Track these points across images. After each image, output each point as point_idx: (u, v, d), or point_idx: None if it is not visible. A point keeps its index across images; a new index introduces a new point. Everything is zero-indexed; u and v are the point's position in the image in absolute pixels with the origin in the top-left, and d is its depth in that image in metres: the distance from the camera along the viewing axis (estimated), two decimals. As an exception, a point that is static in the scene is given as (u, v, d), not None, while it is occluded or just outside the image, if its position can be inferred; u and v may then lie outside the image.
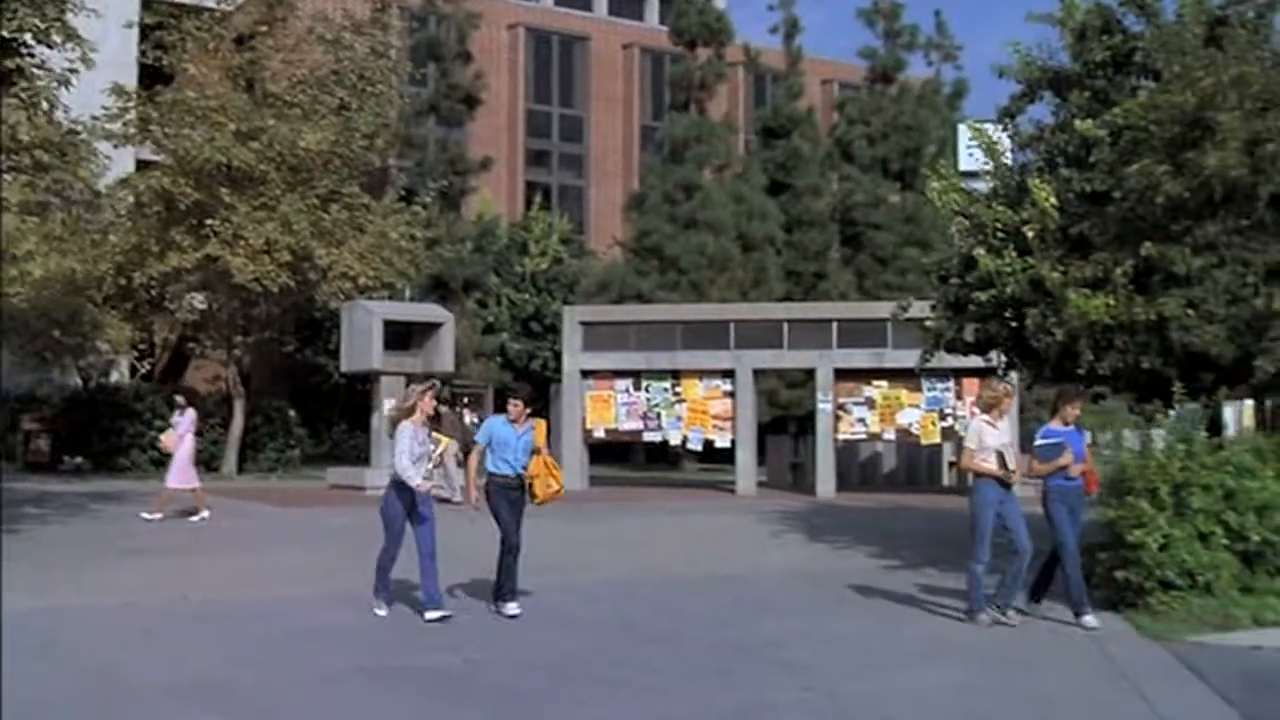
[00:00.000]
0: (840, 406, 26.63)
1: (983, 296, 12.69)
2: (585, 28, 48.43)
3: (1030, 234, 12.00)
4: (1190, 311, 10.69)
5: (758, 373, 27.17)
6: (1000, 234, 12.86)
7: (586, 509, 20.86)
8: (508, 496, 10.39)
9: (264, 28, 28.60)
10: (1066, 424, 10.58)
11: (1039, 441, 10.63)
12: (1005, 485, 10.19)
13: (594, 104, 47.84)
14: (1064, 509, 10.46)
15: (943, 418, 26.37)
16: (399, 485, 10.12)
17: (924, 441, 27.15)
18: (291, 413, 31.34)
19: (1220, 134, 10.41)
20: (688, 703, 7.86)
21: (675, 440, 27.99)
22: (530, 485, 10.42)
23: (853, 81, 45.02)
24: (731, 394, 26.62)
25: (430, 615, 10.02)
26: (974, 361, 16.17)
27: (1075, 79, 13.40)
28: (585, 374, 26.97)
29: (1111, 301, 11.01)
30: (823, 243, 38.98)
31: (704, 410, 27.07)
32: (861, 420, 26.76)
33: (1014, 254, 12.49)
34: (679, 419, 27.02)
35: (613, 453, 34.38)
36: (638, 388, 27.00)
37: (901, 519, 20.64)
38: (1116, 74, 13.15)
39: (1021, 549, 10.14)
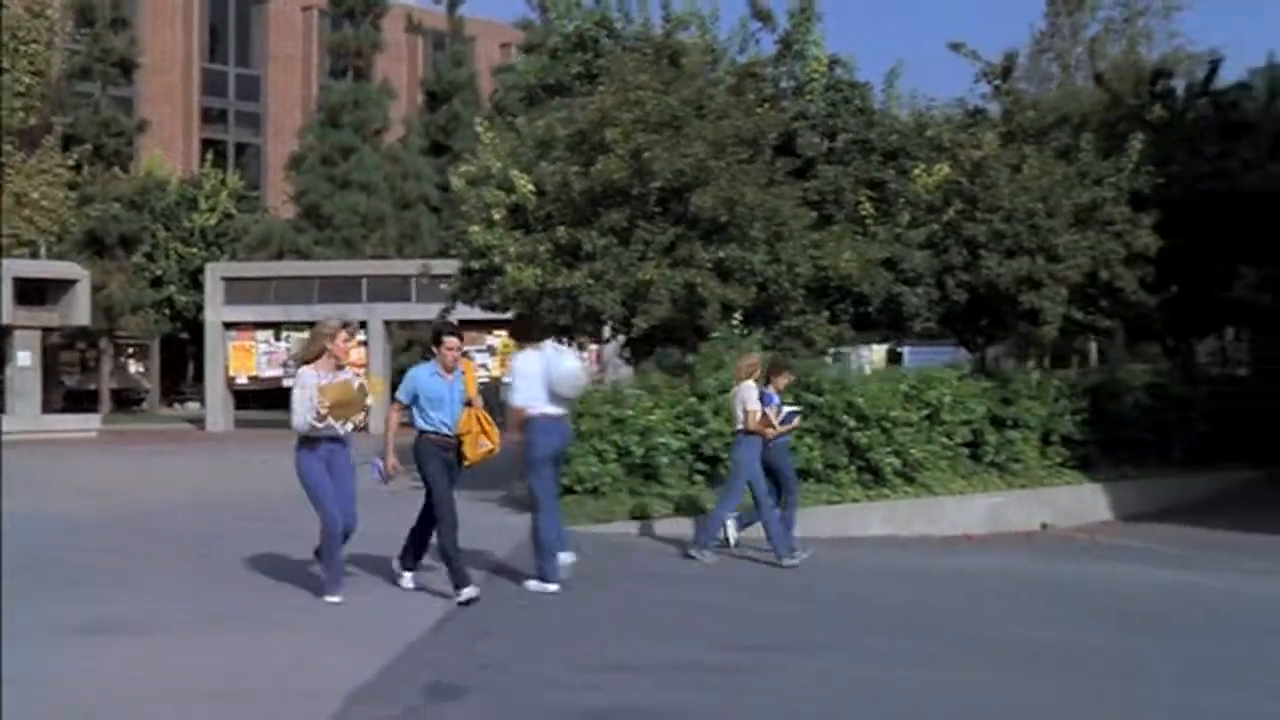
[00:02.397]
0: (464, 353, 29.78)
1: (475, 265, 15.89)
2: (264, -11, 49.86)
3: (496, 215, 15.23)
4: (592, 281, 14.13)
5: (388, 323, 30.08)
6: (496, 213, 16.06)
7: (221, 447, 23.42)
8: (443, 457, 8.88)
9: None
10: (779, 390, 12.51)
11: (786, 408, 12.28)
12: (765, 440, 12.01)
13: (271, 63, 49.39)
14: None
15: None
16: (305, 442, 8.58)
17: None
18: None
19: (609, 146, 13.84)
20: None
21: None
22: (459, 444, 8.88)
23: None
24: (365, 343, 29.46)
25: (333, 597, 8.72)
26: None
27: (560, 88, 16.73)
28: (228, 326, 29.30)
29: (539, 272, 14.39)
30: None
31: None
32: (484, 366, 30.05)
33: (503, 230, 15.71)
34: (317, 366, 29.66)
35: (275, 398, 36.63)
36: (278, 338, 29.55)
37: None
38: (588, 85, 16.49)
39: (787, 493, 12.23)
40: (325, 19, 49.81)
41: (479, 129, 16.95)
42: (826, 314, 15.88)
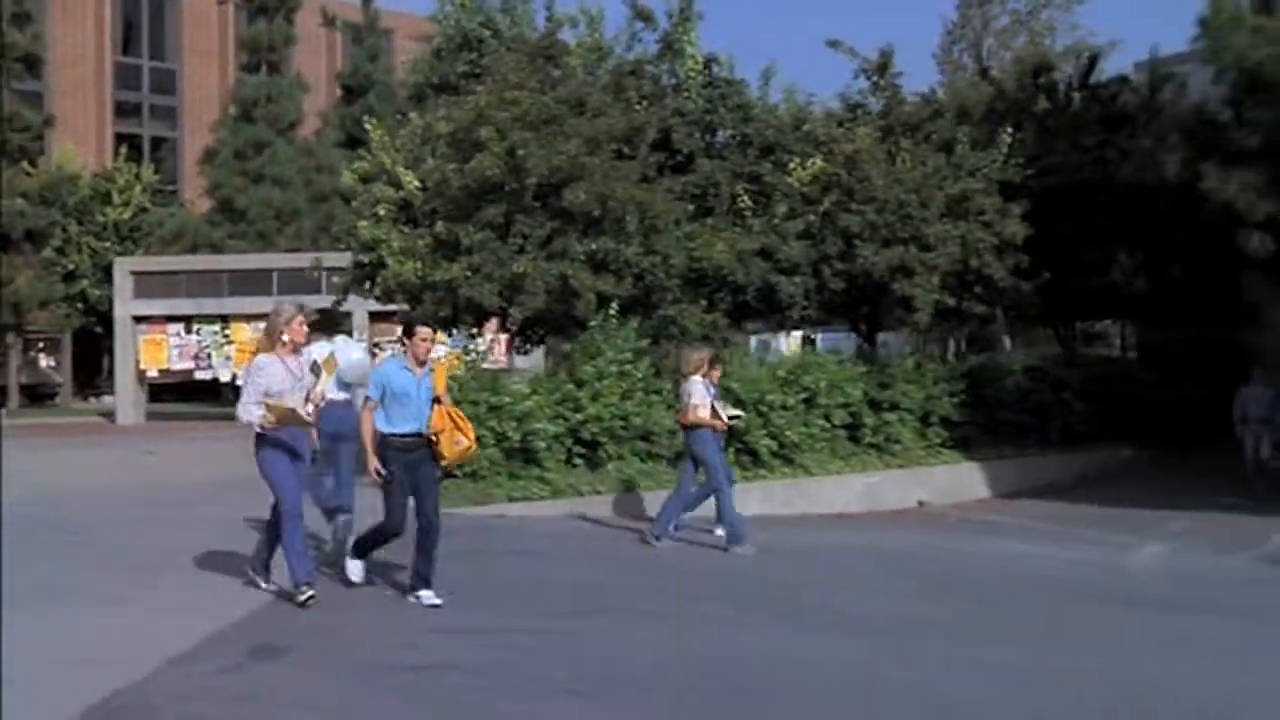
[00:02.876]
0: (376, 344, 30.20)
1: (364, 258, 16.37)
2: (177, -17, 49.68)
3: (382, 211, 15.71)
4: (470, 274, 14.66)
5: (300, 316, 30.34)
6: (384, 209, 16.55)
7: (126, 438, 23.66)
8: (404, 459, 8.47)
9: None
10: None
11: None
12: (715, 430, 12.54)
13: (187, 57, 49.25)
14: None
15: (466, 353, 30.35)
16: (266, 433, 8.36)
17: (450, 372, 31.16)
18: None
19: (484, 144, 14.37)
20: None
21: (225, 378, 30.88)
22: (435, 443, 8.53)
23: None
24: (277, 335, 29.72)
25: (302, 596, 8.29)
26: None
27: (447, 86, 17.21)
28: (138, 319, 29.48)
29: (419, 265, 14.90)
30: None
31: (252, 350, 30.14)
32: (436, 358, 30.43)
33: (390, 225, 16.22)
34: (228, 359, 29.97)
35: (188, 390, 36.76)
36: (189, 331, 29.76)
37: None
38: (473, 83, 16.99)
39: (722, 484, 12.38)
40: (241, 13, 49.87)
41: (368, 127, 17.38)
42: (704, 303, 16.49)
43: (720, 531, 12.60)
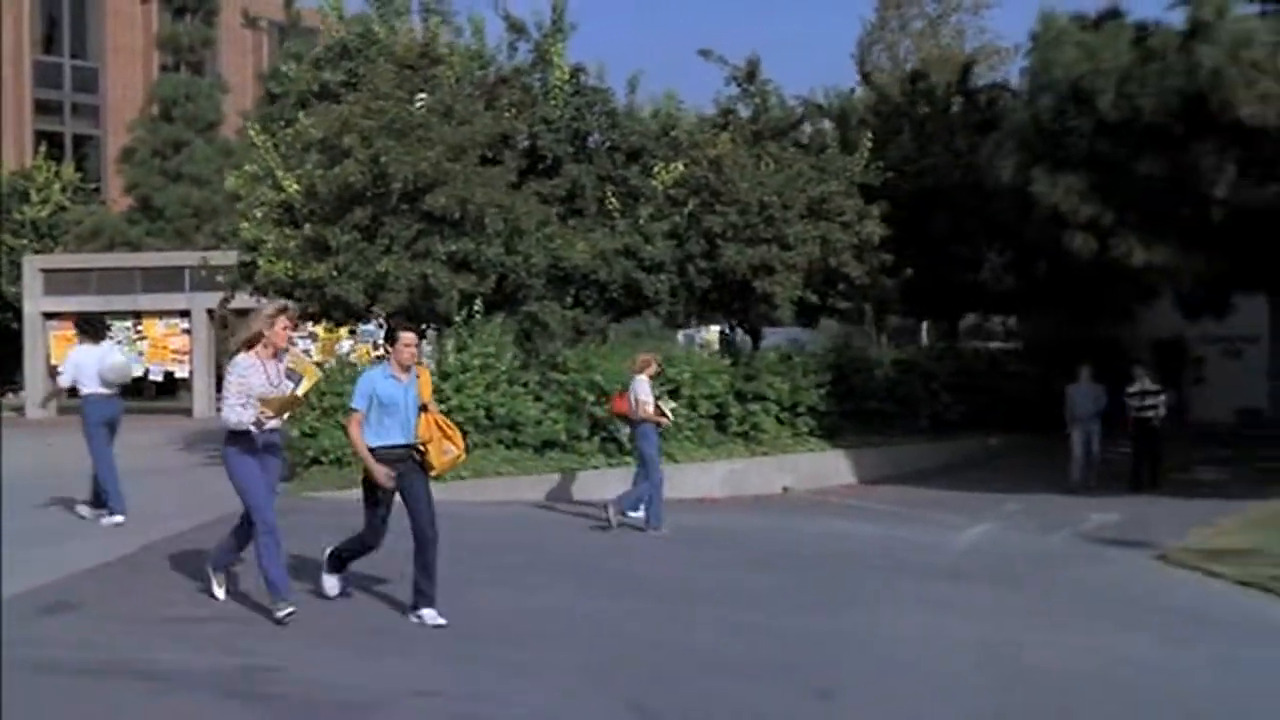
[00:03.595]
0: (292, 342, 30.91)
1: (246, 258, 17.14)
2: (101, -18, 49.93)
3: (258, 214, 16.52)
4: (336, 273, 15.53)
5: (211, 312, 31.00)
6: (260, 211, 17.34)
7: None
8: (395, 470, 8.15)
9: None
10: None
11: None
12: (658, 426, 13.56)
13: (110, 55, 49.51)
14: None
15: (376, 348, 31.18)
16: (237, 437, 8.02)
17: (361, 367, 31.90)
18: None
19: (349, 151, 15.25)
20: None
21: (138, 373, 31.45)
22: (424, 453, 8.25)
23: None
24: (189, 331, 30.40)
25: (281, 612, 7.99)
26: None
27: (328, 93, 18.02)
28: (49, 316, 30.03)
29: (289, 265, 15.75)
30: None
31: (164, 346, 30.80)
32: (307, 351, 31.16)
33: (271, 226, 17.02)
34: (141, 354, 30.57)
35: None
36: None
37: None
38: (350, 91, 17.79)
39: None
40: (165, 12, 50.25)
41: (250, 132, 18.17)
42: (570, 300, 17.42)
43: (637, 514, 13.68)
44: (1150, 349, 29.13)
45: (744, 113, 20.83)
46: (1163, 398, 18.82)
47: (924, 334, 35.01)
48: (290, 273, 15.72)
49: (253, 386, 7.84)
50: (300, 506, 13.98)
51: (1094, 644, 8.72)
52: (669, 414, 13.98)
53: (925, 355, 23.93)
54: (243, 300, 19.09)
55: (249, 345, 7.97)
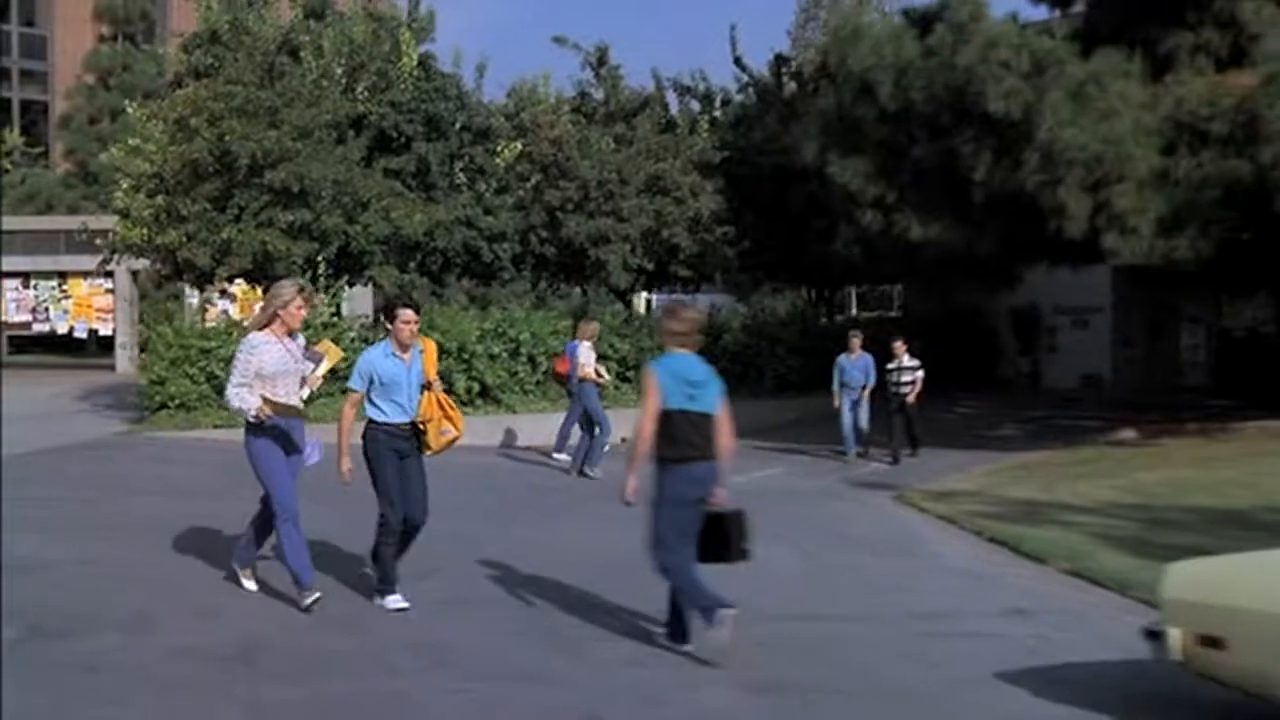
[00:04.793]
0: (208, 299, 32.77)
1: (116, 226, 19.00)
2: (50, -51, 51.26)
3: (125, 184, 18.34)
4: (186, 239, 17.46)
5: (135, 274, 32.87)
6: (128, 181, 19.09)
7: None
8: (395, 447, 7.97)
9: None
10: (585, 340, 16.46)
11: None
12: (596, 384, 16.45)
13: (58, 24, 50.90)
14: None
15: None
16: (258, 424, 7.76)
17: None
18: None
19: (196, 131, 17.17)
20: None
21: (63, 330, 33.42)
22: (423, 431, 8.10)
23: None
24: (112, 291, 32.27)
25: (308, 600, 7.87)
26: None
27: (200, 75, 19.80)
28: (-22, 274, 31.94)
29: (144, 231, 17.68)
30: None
31: (89, 305, 32.71)
32: (225, 311, 33.03)
33: (133, 195, 18.79)
34: (65, 312, 32.50)
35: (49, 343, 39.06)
36: (27, 286, 32.25)
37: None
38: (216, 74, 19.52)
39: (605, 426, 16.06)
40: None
41: (129, 109, 19.99)
42: (414, 265, 19.35)
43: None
44: (1009, 316, 31.29)
45: (597, 96, 22.66)
46: (920, 374, 18.78)
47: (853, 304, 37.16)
48: (145, 238, 17.64)
49: (264, 365, 7.70)
50: (139, 443, 16.00)
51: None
52: (605, 374, 16.89)
53: (780, 323, 25.79)
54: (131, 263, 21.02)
55: (264, 325, 7.83)
